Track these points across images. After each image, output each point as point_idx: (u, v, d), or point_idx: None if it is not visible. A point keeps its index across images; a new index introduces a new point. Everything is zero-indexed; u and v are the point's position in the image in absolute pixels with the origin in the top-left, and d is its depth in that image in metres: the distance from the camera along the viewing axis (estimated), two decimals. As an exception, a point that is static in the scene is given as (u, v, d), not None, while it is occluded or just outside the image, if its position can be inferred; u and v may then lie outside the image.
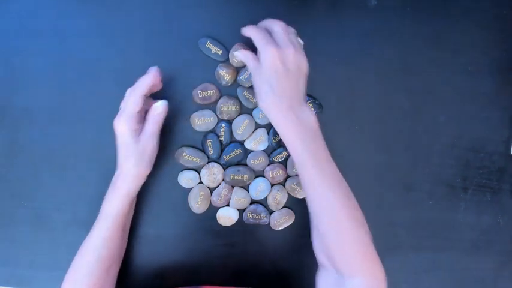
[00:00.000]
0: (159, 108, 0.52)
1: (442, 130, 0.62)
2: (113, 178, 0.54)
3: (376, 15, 0.59)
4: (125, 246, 0.57)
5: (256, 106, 0.59)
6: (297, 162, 0.50)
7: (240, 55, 0.54)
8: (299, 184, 0.60)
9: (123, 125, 0.51)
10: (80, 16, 0.58)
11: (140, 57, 0.58)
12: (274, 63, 0.48)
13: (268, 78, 0.49)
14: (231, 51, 0.58)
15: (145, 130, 0.52)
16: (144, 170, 0.53)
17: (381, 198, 0.62)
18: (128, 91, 0.52)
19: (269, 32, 0.52)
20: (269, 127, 0.60)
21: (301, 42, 0.53)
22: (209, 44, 0.57)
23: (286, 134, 0.50)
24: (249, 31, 0.52)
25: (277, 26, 0.51)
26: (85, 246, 0.53)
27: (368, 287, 0.47)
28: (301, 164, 0.49)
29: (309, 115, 0.50)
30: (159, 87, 0.54)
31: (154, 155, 0.54)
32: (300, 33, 0.59)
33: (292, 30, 0.53)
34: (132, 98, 0.51)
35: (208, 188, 0.60)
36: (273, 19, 0.52)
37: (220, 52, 0.58)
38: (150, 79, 0.51)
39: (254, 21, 0.58)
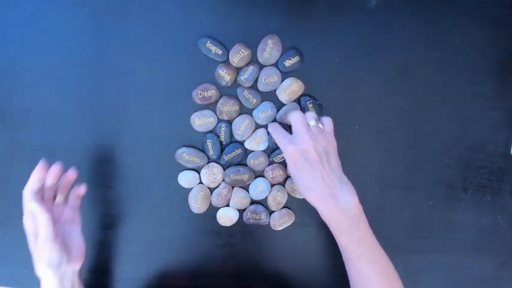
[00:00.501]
0: (33, 209, 0.49)
1: (442, 130, 0.62)
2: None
3: (376, 16, 0.59)
4: None
5: (256, 106, 0.59)
6: (341, 248, 0.51)
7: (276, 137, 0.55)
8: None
9: (24, 224, 0.50)
10: (80, 16, 0.58)
11: (140, 58, 0.58)
12: (296, 160, 0.49)
13: (298, 175, 0.50)
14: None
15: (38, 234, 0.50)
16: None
17: (381, 198, 0.62)
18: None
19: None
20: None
21: (327, 122, 0.53)
22: (209, 44, 0.57)
23: (329, 223, 0.50)
24: (271, 131, 0.55)
25: (293, 118, 0.52)
26: None
27: None
28: (344, 250, 0.50)
29: (349, 199, 0.49)
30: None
31: (55, 257, 0.50)
32: (300, 33, 0.59)
33: (311, 116, 0.52)
34: (25, 196, 0.50)
35: (208, 188, 0.60)
36: (295, 114, 0.52)
37: (220, 52, 0.58)
38: (36, 172, 0.51)
39: (254, 21, 0.58)
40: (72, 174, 0.54)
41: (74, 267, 0.52)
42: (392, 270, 0.51)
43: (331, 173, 0.50)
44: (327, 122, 0.53)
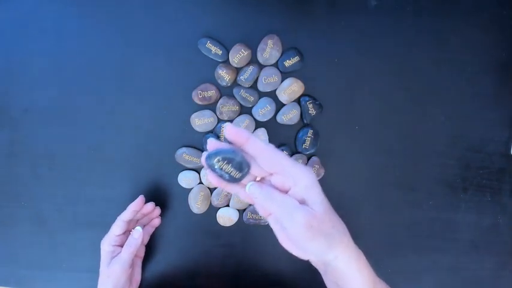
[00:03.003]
0: (135, 233, 0.54)
1: (442, 130, 0.62)
2: None
3: (376, 16, 0.59)
4: None
5: (255, 103, 0.59)
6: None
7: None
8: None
9: (102, 244, 0.54)
10: (80, 16, 0.58)
11: (140, 58, 0.58)
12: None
13: None
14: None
15: (119, 254, 0.54)
16: None
17: (381, 198, 0.62)
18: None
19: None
20: (269, 126, 0.60)
21: None
22: (209, 44, 0.57)
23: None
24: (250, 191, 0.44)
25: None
26: None
27: None
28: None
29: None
30: (151, 214, 0.58)
31: (121, 283, 0.53)
32: (300, 33, 0.59)
33: None
34: (116, 221, 0.54)
35: (208, 188, 0.60)
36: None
37: (220, 52, 0.58)
38: (134, 205, 0.55)
39: (254, 21, 0.58)
40: (156, 212, 0.58)
41: None
42: None
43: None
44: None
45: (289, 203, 0.38)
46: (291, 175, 0.38)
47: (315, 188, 0.38)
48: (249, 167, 0.37)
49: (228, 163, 0.36)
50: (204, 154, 0.37)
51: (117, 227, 0.54)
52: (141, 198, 0.55)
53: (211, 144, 0.37)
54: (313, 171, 0.60)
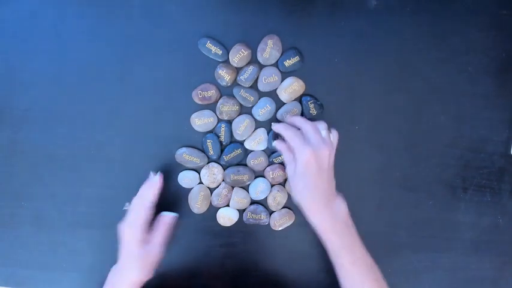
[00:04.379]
0: (168, 219, 0.54)
1: (442, 130, 0.62)
2: (110, 277, 0.54)
3: (376, 16, 0.59)
4: None
5: (255, 103, 0.59)
6: (333, 255, 0.52)
7: (277, 145, 0.55)
8: (299, 184, 0.60)
9: (129, 234, 0.52)
10: (80, 16, 0.58)
11: (140, 58, 0.58)
12: (309, 163, 0.50)
13: (303, 177, 0.51)
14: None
15: (153, 240, 0.53)
16: (145, 277, 0.53)
17: (381, 198, 0.62)
18: (135, 201, 0.54)
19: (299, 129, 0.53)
20: (269, 126, 0.60)
21: (335, 135, 0.55)
22: (209, 44, 0.57)
23: (322, 229, 0.52)
24: (281, 129, 0.54)
25: (308, 126, 0.53)
26: None
27: None
28: (338, 256, 0.52)
29: (341, 207, 0.53)
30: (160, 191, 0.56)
31: (157, 263, 0.54)
32: (300, 33, 0.59)
33: (323, 126, 0.54)
34: (140, 211, 0.52)
35: (208, 188, 0.60)
36: (302, 118, 0.54)
37: (220, 52, 0.58)
38: (155, 189, 0.54)
39: (254, 21, 0.58)
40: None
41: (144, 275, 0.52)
42: (381, 276, 0.53)
43: (332, 183, 0.53)
44: (335, 136, 0.55)
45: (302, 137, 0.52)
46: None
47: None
48: None
49: None
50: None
51: (141, 217, 0.52)
52: (160, 176, 0.55)
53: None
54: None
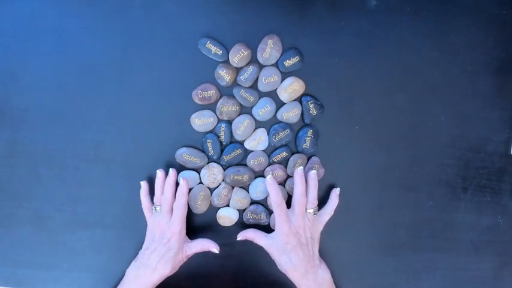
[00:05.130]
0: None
1: (442, 130, 0.62)
2: (135, 271, 0.56)
3: (376, 16, 0.59)
4: None
5: (255, 103, 0.59)
6: None
7: (250, 235, 0.58)
8: (299, 184, 0.60)
9: (175, 234, 0.55)
10: (80, 16, 0.58)
11: (140, 58, 0.58)
12: (288, 239, 0.54)
13: (284, 251, 0.54)
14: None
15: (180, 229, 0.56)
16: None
17: (381, 198, 0.62)
18: (167, 193, 0.57)
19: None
20: (269, 126, 0.60)
21: (332, 203, 0.59)
22: (209, 44, 0.57)
23: None
24: (272, 188, 0.56)
25: (297, 199, 0.56)
26: None
27: None
28: None
29: (324, 273, 0.56)
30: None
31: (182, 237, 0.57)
32: (300, 33, 0.59)
33: (313, 204, 0.57)
34: (181, 203, 0.56)
35: (208, 188, 0.60)
36: (301, 181, 0.57)
37: (220, 52, 0.58)
38: (174, 176, 0.58)
39: (254, 21, 0.58)
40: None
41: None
42: None
43: (314, 256, 0.56)
44: (332, 204, 0.59)
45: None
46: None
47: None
48: None
49: None
50: None
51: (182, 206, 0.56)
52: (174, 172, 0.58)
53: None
54: (314, 171, 0.60)
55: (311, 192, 0.57)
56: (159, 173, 0.58)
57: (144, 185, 0.59)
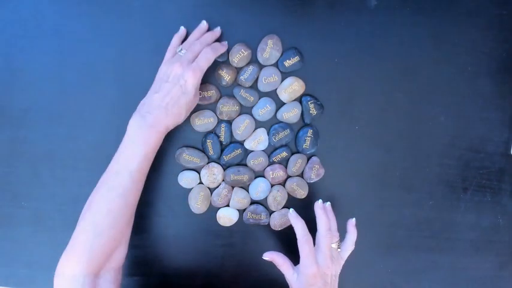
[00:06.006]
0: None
1: (442, 130, 0.62)
2: (146, 121, 0.50)
3: (376, 16, 0.59)
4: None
5: (255, 103, 0.59)
6: None
7: (278, 261, 0.55)
8: (299, 184, 0.60)
9: (193, 78, 0.50)
10: (80, 17, 0.58)
11: (140, 58, 0.58)
12: (315, 281, 0.51)
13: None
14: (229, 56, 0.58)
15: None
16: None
17: (381, 198, 0.62)
18: (197, 43, 0.53)
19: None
20: (269, 126, 0.60)
21: (350, 245, 0.56)
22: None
23: None
24: (297, 226, 0.54)
25: (323, 236, 0.53)
26: (108, 189, 0.49)
27: None
28: None
29: None
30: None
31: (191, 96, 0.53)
32: (300, 33, 0.59)
33: (336, 238, 0.54)
34: (209, 56, 0.52)
35: (208, 188, 0.60)
36: (325, 219, 0.54)
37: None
38: (215, 35, 0.56)
39: (254, 21, 0.58)
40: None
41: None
42: None
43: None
44: (351, 245, 0.56)
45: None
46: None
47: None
48: None
49: None
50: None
51: (208, 62, 0.52)
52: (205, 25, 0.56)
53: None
54: (313, 172, 0.60)
55: (332, 226, 0.55)
56: (203, 25, 0.56)
57: (181, 30, 0.56)
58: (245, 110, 0.60)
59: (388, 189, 0.62)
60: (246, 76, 0.58)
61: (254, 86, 0.59)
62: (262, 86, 0.58)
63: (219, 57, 0.57)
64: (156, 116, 0.50)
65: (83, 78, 0.59)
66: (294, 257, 0.62)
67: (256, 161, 0.60)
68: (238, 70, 0.58)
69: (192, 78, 0.50)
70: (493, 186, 0.63)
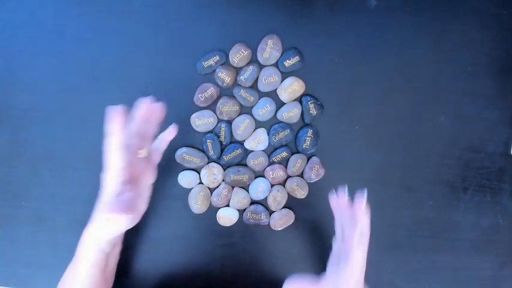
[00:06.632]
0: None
1: (442, 130, 0.62)
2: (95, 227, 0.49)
3: (376, 16, 0.59)
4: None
5: (255, 103, 0.59)
6: None
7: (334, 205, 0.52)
8: (299, 184, 0.60)
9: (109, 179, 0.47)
10: (80, 17, 0.58)
11: (140, 58, 0.58)
12: (359, 273, 0.46)
13: (343, 276, 0.46)
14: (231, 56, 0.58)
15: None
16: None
17: (381, 198, 0.62)
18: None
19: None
20: (269, 126, 0.60)
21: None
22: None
23: None
24: (338, 215, 0.51)
25: (366, 225, 0.48)
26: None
27: None
28: None
29: None
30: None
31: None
32: (300, 33, 0.59)
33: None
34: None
35: (208, 188, 0.60)
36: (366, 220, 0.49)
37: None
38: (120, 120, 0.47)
39: (254, 21, 0.58)
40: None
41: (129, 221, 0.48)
42: None
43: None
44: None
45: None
46: None
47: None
48: None
49: None
50: None
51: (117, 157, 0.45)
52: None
53: None
54: (313, 172, 0.60)
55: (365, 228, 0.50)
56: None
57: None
58: (245, 110, 0.60)
59: (388, 189, 0.62)
60: (246, 76, 0.58)
61: (254, 86, 0.59)
62: (262, 86, 0.59)
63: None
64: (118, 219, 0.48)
65: (83, 78, 0.59)
66: (297, 258, 0.62)
67: (256, 161, 0.60)
68: (238, 70, 0.58)
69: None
70: (493, 186, 0.63)
